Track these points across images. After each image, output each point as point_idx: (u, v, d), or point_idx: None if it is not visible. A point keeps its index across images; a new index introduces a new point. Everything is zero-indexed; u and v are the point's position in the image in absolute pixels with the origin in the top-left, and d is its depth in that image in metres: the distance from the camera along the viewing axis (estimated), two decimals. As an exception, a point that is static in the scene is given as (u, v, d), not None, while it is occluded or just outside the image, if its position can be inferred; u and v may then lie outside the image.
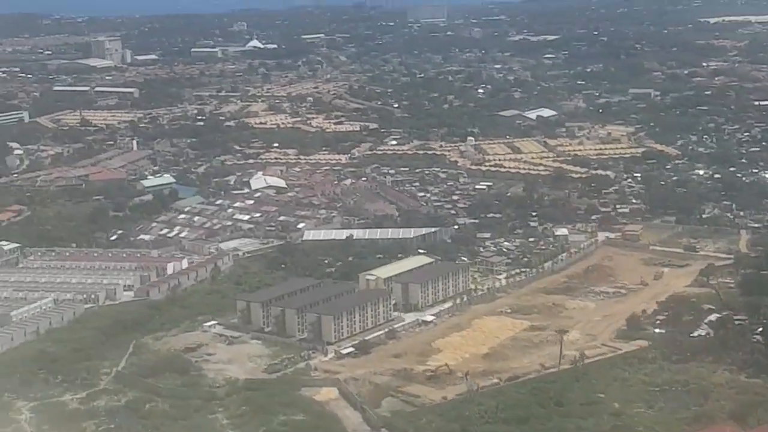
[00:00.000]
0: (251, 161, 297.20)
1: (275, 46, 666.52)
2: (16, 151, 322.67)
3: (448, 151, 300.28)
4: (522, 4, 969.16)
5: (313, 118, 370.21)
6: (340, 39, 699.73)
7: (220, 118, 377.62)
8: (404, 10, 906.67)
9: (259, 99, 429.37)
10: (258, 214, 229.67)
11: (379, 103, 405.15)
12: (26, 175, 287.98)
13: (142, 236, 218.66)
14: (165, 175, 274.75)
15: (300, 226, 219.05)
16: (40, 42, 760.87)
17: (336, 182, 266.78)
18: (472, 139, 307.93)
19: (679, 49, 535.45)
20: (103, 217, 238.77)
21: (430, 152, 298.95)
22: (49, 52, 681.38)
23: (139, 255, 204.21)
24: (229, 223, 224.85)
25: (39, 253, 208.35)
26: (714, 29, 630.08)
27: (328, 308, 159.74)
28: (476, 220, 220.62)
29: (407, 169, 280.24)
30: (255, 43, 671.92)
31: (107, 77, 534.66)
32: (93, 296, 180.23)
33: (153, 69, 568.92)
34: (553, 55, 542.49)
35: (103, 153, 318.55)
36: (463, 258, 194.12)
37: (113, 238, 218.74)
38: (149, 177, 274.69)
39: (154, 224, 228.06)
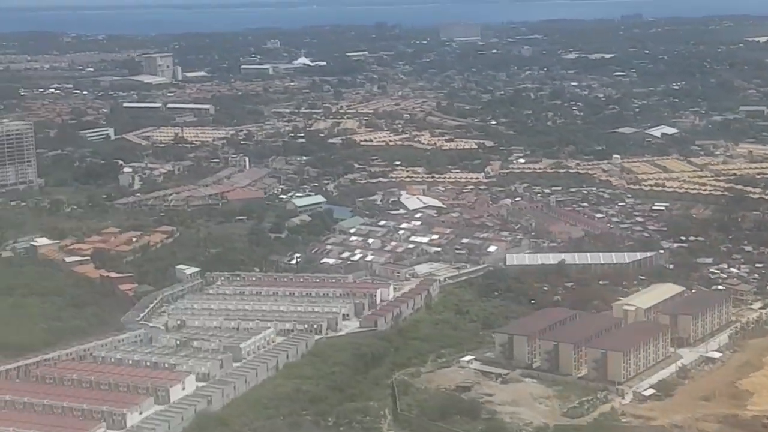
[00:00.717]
0: (383, 180, 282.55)
1: (324, 63, 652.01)
2: (126, 169, 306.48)
3: (589, 169, 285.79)
4: (544, 24, 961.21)
5: (419, 135, 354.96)
6: (386, 57, 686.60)
7: (320, 135, 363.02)
8: (434, 29, 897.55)
9: (345, 116, 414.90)
10: (436, 236, 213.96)
11: (476, 120, 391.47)
12: (153, 194, 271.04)
13: (325, 260, 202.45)
14: (315, 194, 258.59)
15: (491, 249, 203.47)
16: (76, 59, 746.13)
17: (491, 202, 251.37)
18: (618, 157, 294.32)
19: (751, 67, 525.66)
20: (263, 239, 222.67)
21: (569, 170, 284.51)
22: (91, 69, 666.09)
23: (333, 280, 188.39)
24: (411, 246, 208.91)
25: (222, 278, 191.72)
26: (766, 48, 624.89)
27: (612, 343, 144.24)
28: (683, 244, 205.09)
29: (559, 188, 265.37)
30: (303, 60, 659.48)
31: (168, 94, 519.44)
32: (316, 326, 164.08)
33: (211, 86, 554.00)
34: (623, 73, 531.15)
35: (220, 171, 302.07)
36: (700, 286, 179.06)
37: (292, 261, 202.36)
38: (299, 196, 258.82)
39: (328, 247, 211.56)
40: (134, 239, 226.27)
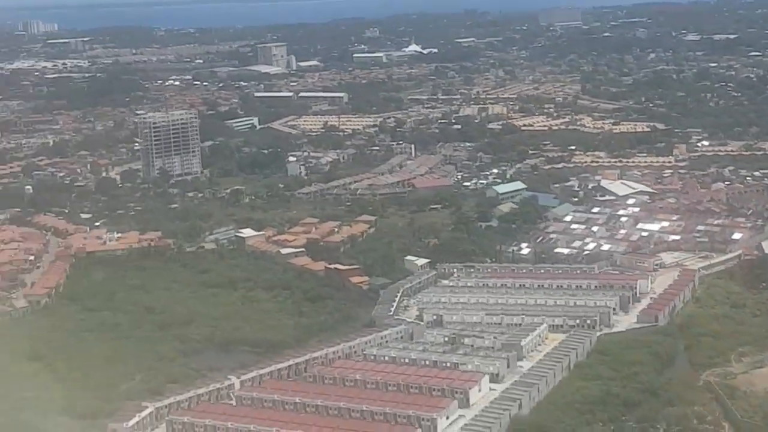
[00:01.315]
0: (567, 165, 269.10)
1: (435, 50, 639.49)
2: (290, 158, 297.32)
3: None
4: (640, 7, 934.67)
5: (580, 119, 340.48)
6: (496, 43, 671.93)
7: (474, 120, 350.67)
8: (529, 14, 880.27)
9: (486, 101, 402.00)
10: (666, 224, 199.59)
11: (630, 102, 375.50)
12: (332, 183, 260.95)
13: (558, 249, 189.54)
14: (514, 181, 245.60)
15: (736, 236, 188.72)
16: (180, 51, 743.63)
17: (699, 186, 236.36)
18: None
19: None
20: (473, 228, 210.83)
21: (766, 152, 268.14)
22: (200, 61, 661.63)
23: (578, 272, 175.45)
24: (644, 234, 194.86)
25: (456, 270, 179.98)
26: None
27: None
28: None
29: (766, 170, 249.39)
30: (414, 47, 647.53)
31: (291, 83, 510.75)
32: (589, 321, 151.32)
33: (330, 74, 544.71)
34: (759, 53, 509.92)
35: (391, 158, 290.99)
36: None
37: (523, 251, 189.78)
38: (497, 182, 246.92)
39: (552, 236, 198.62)
40: (335, 229, 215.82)
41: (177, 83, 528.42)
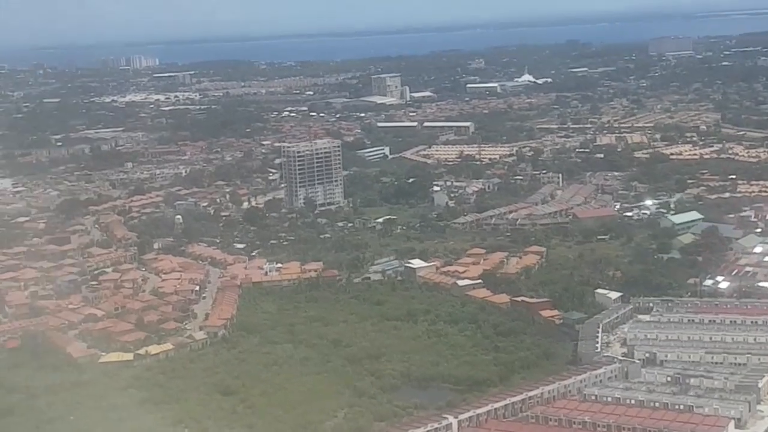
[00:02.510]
0: (737, 194, 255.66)
1: (550, 80, 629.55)
2: (435, 188, 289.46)
3: None
4: (748, 37, 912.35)
5: (730, 147, 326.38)
6: (611, 72, 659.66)
7: (616, 149, 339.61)
8: (636, 44, 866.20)
9: (620, 130, 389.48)
10: None
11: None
12: (487, 212, 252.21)
13: (763, 284, 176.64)
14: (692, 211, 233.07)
15: None
16: (288, 83, 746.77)
17: None
18: None
19: None
20: (653, 260, 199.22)
21: None
22: (311, 92, 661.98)
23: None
24: None
25: (655, 305, 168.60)
26: None
27: None
28: None
29: None
30: (528, 77, 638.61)
31: (411, 113, 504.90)
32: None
33: (446, 104, 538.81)
34: None
35: (541, 188, 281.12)
36: None
37: (721, 285, 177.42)
38: (672, 213, 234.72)
39: (748, 269, 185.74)
40: (504, 260, 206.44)
41: (293, 114, 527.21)
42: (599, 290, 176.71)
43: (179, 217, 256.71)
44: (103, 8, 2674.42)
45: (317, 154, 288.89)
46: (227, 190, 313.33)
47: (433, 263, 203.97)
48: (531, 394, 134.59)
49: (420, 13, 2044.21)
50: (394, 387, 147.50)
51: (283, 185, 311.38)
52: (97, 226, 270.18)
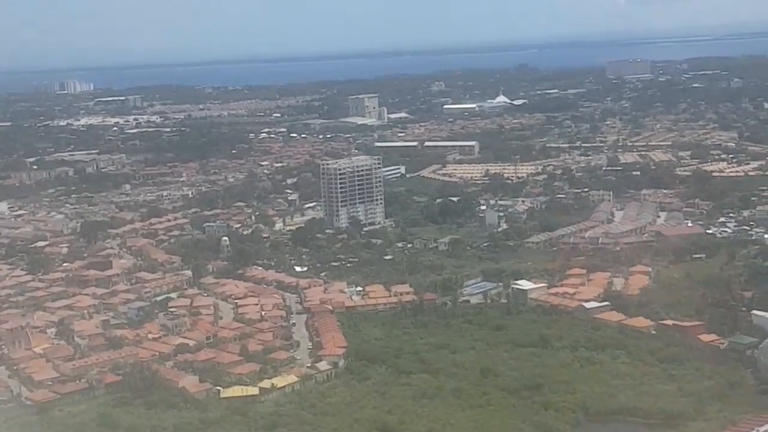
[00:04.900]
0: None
1: (525, 101, 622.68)
2: (482, 207, 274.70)
3: None
4: (700, 61, 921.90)
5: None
6: (580, 94, 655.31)
7: (650, 167, 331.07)
8: (597, 68, 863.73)
9: (636, 148, 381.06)
10: None
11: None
12: (557, 232, 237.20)
13: None
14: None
15: None
16: (247, 106, 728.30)
17: None
18: None
19: None
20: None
21: None
22: (278, 114, 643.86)
23: None
24: None
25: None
26: None
27: None
28: None
29: None
30: (503, 98, 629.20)
31: (399, 134, 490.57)
32: None
33: (431, 124, 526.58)
34: None
35: (598, 206, 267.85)
36: None
37: None
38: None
39: None
40: (610, 281, 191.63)
41: (273, 136, 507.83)
42: (757, 312, 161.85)
43: (226, 239, 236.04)
44: (16, 36, 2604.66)
45: (358, 171, 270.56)
46: (249, 211, 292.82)
47: (541, 285, 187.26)
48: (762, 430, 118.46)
49: (345, 39, 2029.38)
50: (576, 421, 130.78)
51: (310, 205, 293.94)
52: (125, 249, 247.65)
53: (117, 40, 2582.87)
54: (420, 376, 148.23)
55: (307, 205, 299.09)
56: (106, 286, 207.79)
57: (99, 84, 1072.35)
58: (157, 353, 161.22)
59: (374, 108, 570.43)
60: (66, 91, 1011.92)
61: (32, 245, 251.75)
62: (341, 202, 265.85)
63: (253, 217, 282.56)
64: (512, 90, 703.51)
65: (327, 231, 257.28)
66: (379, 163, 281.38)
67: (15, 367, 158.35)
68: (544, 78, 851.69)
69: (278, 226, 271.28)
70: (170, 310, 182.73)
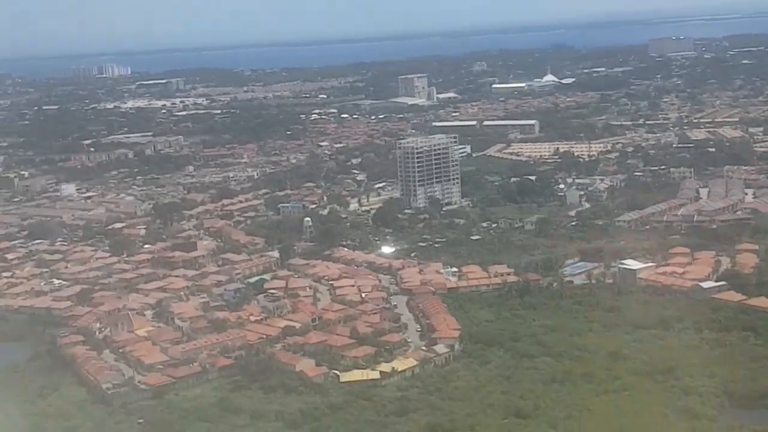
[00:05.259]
0: None
1: (574, 79, 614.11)
2: (560, 186, 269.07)
3: None
4: (738, 38, 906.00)
5: None
6: (629, 71, 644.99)
7: (725, 143, 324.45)
8: (639, 47, 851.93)
9: (703, 125, 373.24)
10: None
11: None
12: (648, 210, 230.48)
13: None
14: None
15: None
16: (290, 88, 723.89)
17: None
18: None
19: None
20: None
21: None
22: (324, 96, 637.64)
23: None
24: None
25: None
26: None
27: None
28: None
29: None
30: (551, 77, 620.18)
31: (453, 113, 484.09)
32: None
33: (481, 105, 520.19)
34: None
35: (684, 181, 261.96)
36: None
37: None
38: None
39: None
40: (717, 260, 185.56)
41: (324, 117, 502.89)
42: None
43: (308, 219, 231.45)
44: (45, 22, 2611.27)
45: (435, 149, 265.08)
46: (319, 191, 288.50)
47: (649, 264, 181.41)
48: None
49: (370, 23, 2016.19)
50: (721, 407, 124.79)
51: (380, 185, 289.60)
52: (202, 231, 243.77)
53: (144, 25, 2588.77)
54: (543, 359, 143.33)
55: (377, 185, 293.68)
56: (194, 267, 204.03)
57: (136, 68, 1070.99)
58: (264, 336, 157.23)
59: (423, 88, 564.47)
60: (105, 75, 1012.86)
61: (109, 227, 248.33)
62: (418, 181, 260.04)
63: (325, 198, 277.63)
64: (555, 69, 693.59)
65: (406, 211, 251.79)
66: (455, 142, 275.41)
67: (121, 350, 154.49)
68: (583, 57, 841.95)
69: (353, 206, 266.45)
70: (270, 292, 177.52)
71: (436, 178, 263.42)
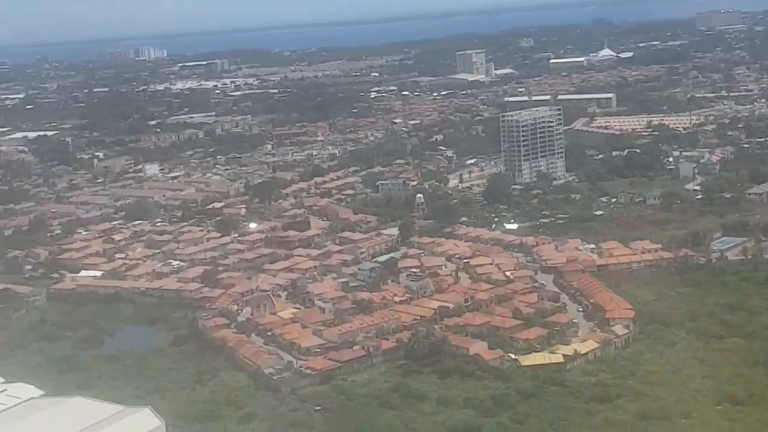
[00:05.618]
0: None
1: (631, 54, 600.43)
2: (669, 159, 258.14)
3: None
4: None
5: None
6: (686, 45, 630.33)
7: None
8: (684, 20, 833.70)
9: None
10: None
11: None
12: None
13: None
14: None
15: None
16: (338, 67, 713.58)
17: None
18: None
19: None
20: None
21: None
22: (375, 74, 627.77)
23: None
24: None
25: None
26: None
27: None
28: None
29: None
30: (607, 51, 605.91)
31: (519, 89, 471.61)
32: None
33: (545, 80, 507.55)
34: None
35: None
36: None
37: None
38: None
39: None
40: None
41: (384, 94, 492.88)
42: None
43: (420, 196, 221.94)
44: (72, 8, 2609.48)
45: (540, 123, 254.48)
46: (411, 168, 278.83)
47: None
48: None
49: (386, 3, 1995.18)
50: None
51: (471, 161, 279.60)
52: (304, 209, 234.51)
53: (171, 9, 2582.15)
54: (734, 341, 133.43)
55: (468, 161, 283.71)
56: (312, 247, 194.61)
57: (172, 50, 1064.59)
58: (418, 317, 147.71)
59: (482, 64, 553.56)
60: (143, 58, 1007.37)
61: (208, 206, 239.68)
62: (524, 155, 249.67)
63: (420, 174, 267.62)
64: (610, 44, 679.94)
65: (514, 187, 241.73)
66: (560, 115, 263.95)
67: (269, 333, 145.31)
68: (628, 31, 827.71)
69: (452, 182, 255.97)
70: (412, 271, 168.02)
71: (541, 152, 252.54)
